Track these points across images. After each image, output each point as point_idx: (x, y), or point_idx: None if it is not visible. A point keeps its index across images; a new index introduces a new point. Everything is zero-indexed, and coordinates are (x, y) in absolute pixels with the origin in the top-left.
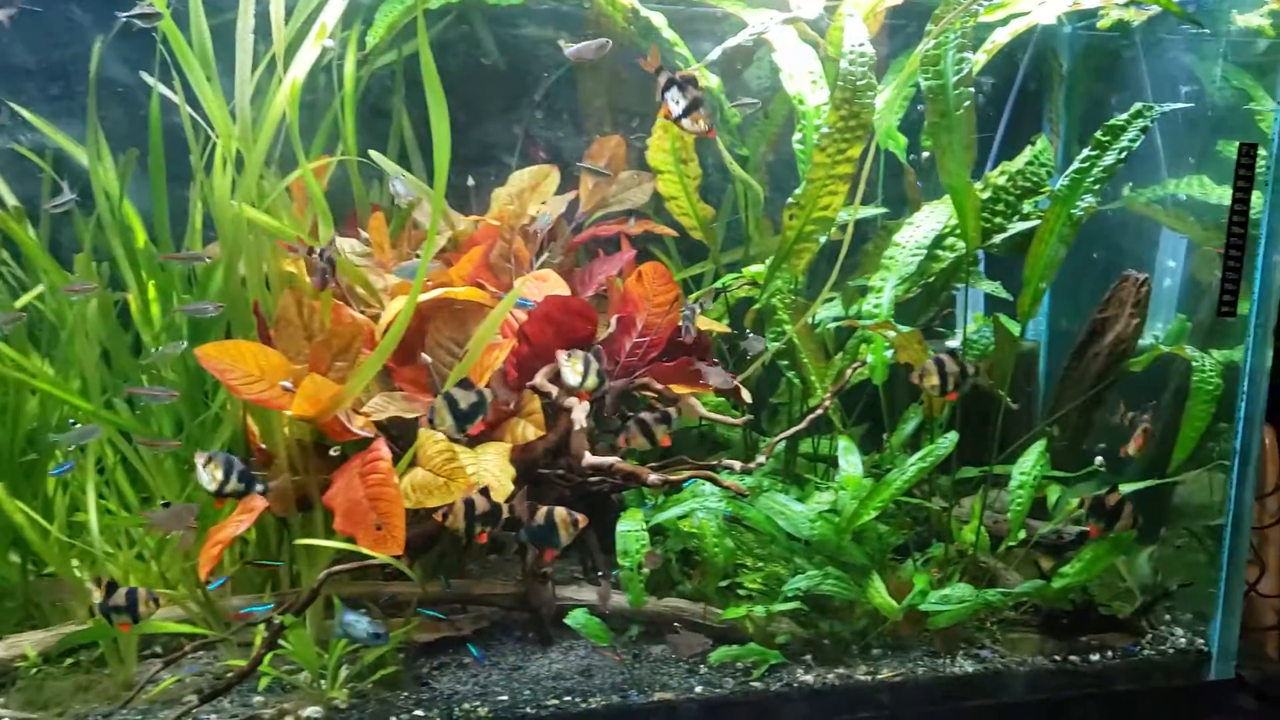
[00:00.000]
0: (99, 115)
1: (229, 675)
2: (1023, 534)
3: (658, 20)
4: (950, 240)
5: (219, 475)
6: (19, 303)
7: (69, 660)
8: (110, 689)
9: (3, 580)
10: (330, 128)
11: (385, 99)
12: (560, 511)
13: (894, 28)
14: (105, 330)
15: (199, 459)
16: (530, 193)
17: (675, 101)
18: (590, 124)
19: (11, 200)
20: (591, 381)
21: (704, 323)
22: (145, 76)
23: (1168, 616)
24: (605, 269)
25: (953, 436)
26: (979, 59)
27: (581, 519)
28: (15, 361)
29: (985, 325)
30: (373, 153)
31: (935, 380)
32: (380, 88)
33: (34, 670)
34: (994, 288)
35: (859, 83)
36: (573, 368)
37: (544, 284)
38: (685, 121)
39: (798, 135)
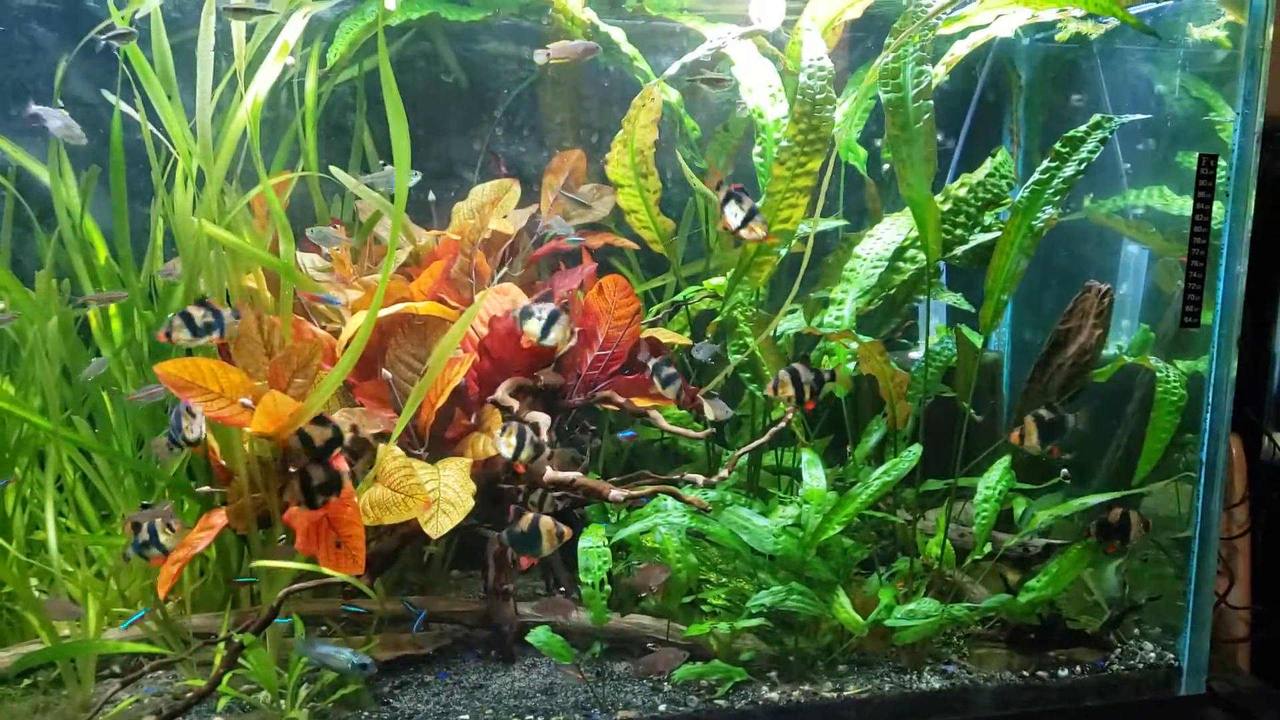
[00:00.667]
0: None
1: (188, 695)
2: (989, 547)
3: (617, 35)
4: (911, 252)
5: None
6: None
7: (26, 681)
8: (68, 710)
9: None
10: (291, 143)
11: (346, 115)
12: (546, 520)
13: (853, 40)
14: (66, 348)
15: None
16: (491, 207)
17: (735, 215)
18: (551, 139)
19: None
20: (526, 454)
21: (666, 335)
22: (106, 94)
23: (1136, 630)
24: (566, 282)
25: (916, 449)
26: (938, 72)
27: (567, 531)
28: None
29: (948, 337)
30: (334, 169)
31: (790, 391)
32: (341, 104)
33: None
34: (956, 299)
35: (818, 96)
36: (506, 441)
37: (505, 298)
38: (744, 231)
39: (757, 149)
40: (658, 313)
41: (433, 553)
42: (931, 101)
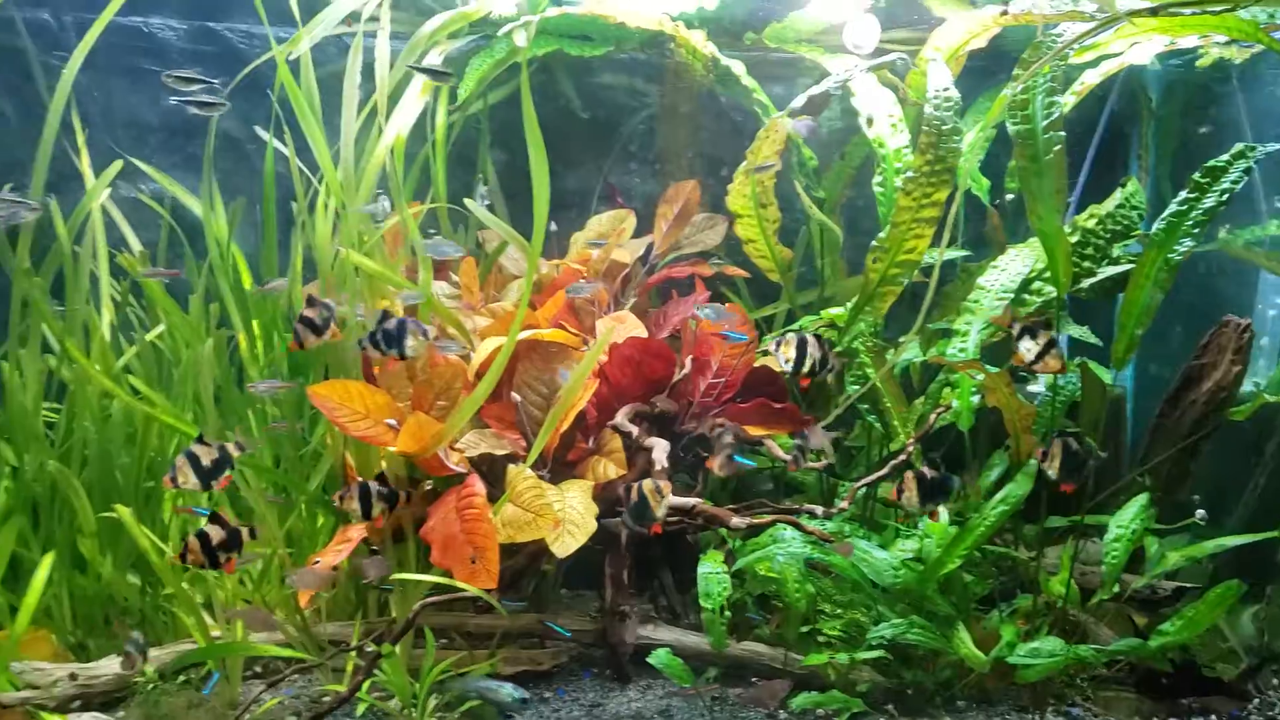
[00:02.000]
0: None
1: (326, 700)
2: (1116, 588)
3: (737, 68)
4: (1037, 284)
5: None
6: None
7: (181, 678)
8: (218, 707)
9: (123, 599)
10: (419, 174)
11: (467, 147)
12: (646, 482)
13: (970, 68)
14: (219, 368)
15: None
16: (611, 237)
17: (1029, 350)
18: (666, 169)
19: (137, 245)
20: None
21: (778, 365)
22: (260, 131)
23: (1276, 681)
24: (681, 311)
25: (1031, 468)
26: (1068, 101)
27: (665, 485)
28: (146, 396)
29: (1073, 371)
30: (467, 201)
31: (791, 353)
32: (463, 137)
33: (150, 686)
34: (1082, 332)
35: (944, 127)
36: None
37: (623, 325)
38: (1037, 365)
39: (878, 178)
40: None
41: (546, 571)
42: (1063, 133)
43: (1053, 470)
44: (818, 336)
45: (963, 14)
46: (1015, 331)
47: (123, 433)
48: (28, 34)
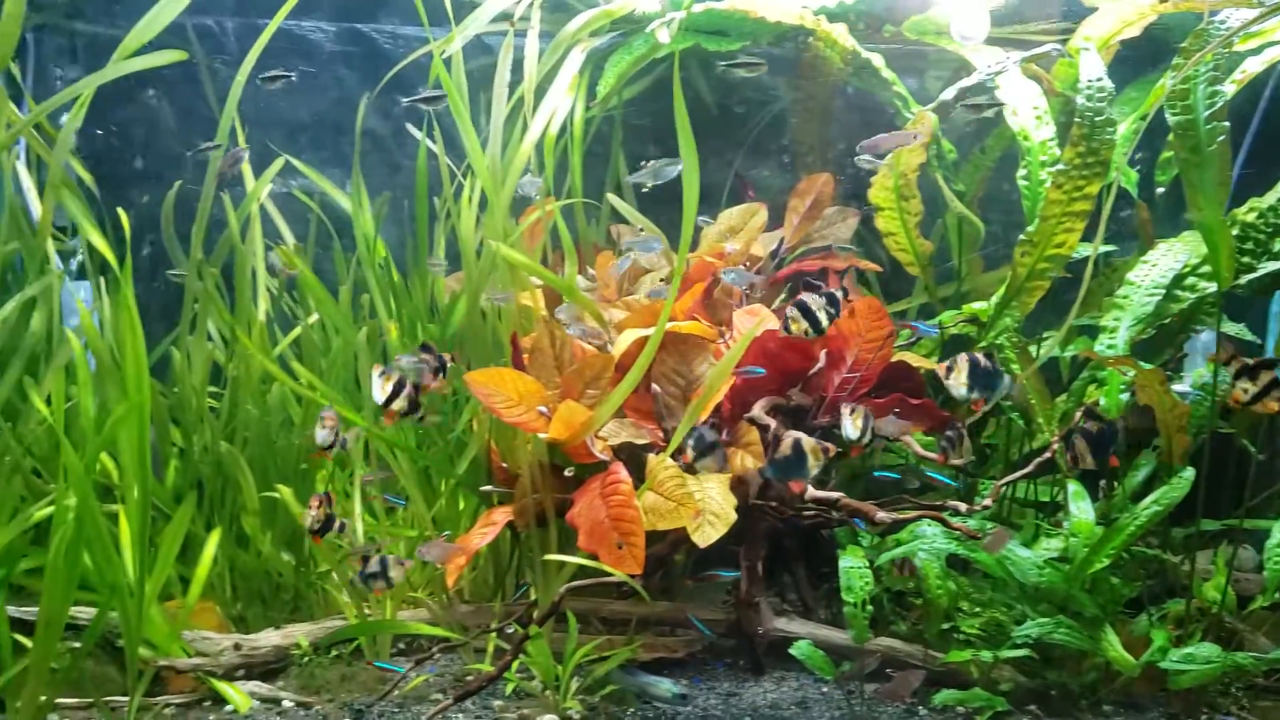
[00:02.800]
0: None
1: (471, 678)
2: (1277, 595)
3: (877, 60)
4: (1191, 280)
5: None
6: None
7: (333, 652)
8: (368, 681)
9: (279, 575)
10: (555, 168)
11: (597, 143)
12: (809, 439)
13: (1119, 57)
14: (372, 356)
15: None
16: (740, 230)
17: (1245, 391)
18: (798, 162)
19: (291, 239)
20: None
21: (915, 359)
22: (412, 129)
23: None
24: None
25: (1189, 474)
26: (1229, 90)
27: (830, 447)
28: (308, 381)
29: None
30: (610, 196)
31: (964, 380)
32: (595, 132)
33: (305, 659)
34: (1239, 329)
35: (1098, 118)
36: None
37: (758, 319)
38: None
39: (1022, 171)
40: (910, 335)
41: (675, 561)
42: (1227, 123)
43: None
44: (989, 355)
45: (1116, 2)
46: (1233, 370)
47: (280, 417)
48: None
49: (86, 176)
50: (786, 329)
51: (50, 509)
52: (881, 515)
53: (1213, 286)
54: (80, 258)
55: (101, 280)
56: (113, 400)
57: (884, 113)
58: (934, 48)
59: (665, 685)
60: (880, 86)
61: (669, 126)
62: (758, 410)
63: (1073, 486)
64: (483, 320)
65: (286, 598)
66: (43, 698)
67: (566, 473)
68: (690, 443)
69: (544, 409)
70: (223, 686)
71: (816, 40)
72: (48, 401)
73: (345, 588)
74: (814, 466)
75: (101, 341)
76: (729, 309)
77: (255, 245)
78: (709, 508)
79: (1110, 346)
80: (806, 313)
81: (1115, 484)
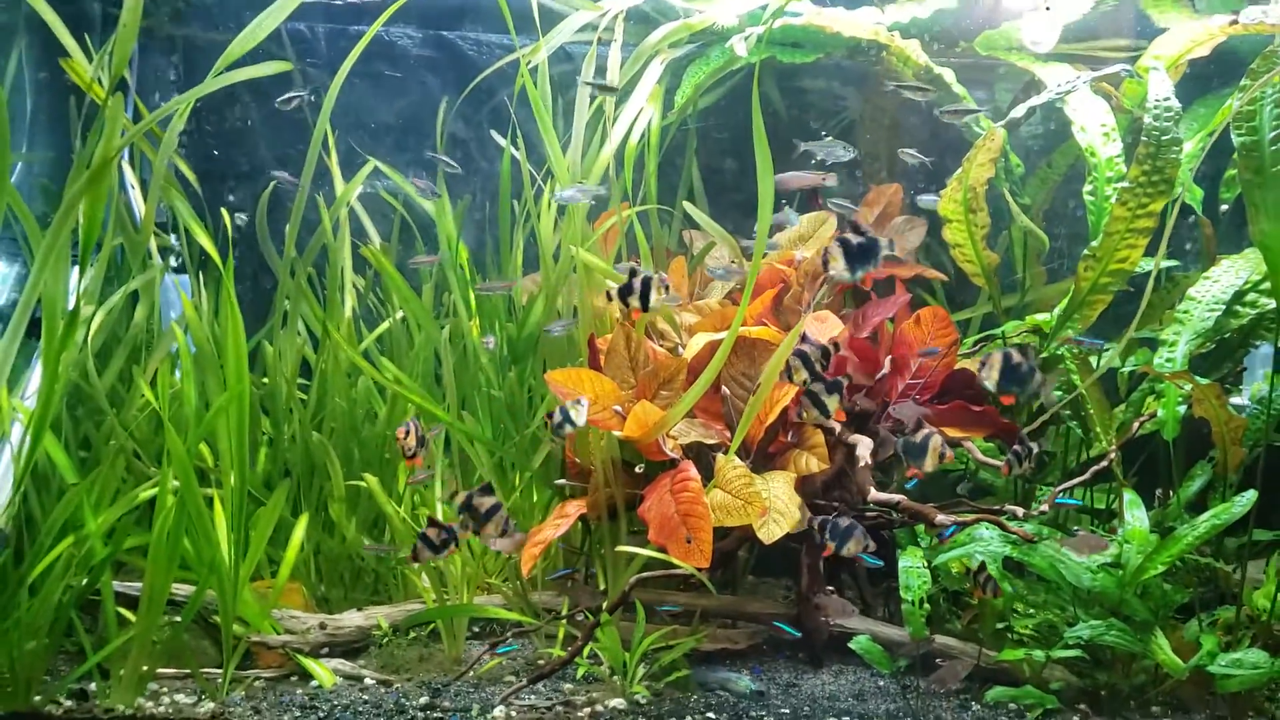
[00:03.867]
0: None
1: (542, 662)
2: None
3: (948, 76)
4: (1251, 296)
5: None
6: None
7: (412, 634)
8: (444, 662)
9: (360, 560)
10: (631, 174)
11: (671, 150)
12: (937, 439)
13: (1187, 75)
14: (455, 354)
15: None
16: (810, 238)
17: None
18: (870, 173)
19: (377, 239)
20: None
21: (974, 366)
22: (495, 136)
23: None
24: (880, 311)
25: (1251, 495)
26: None
27: (949, 453)
28: (396, 376)
29: None
30: (686, 204)
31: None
32: (670, 139)
33: (385, 639)
34: None
35: (1164, 137)
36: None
37: (823, 324)
38: None
39: (1088, 186)
40: (973, 344)
41: (737, 557)
42: None
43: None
44: (1024, 351)
45: (1186, 22)
46: None
47: (365, 409)
48: (290, 45)
49: (191, 176)
50: (789, 376)
51: (153, 491)
52: (941, 518)
53: (1273, 303)
54: (180, 253)
55: (200, 275)
56: (210, 389)
57: (954, 126)
58: (1005, 62)
59: (744, 682)
60: (950, 101)
61: (742, 135)
62: None
63: (1128, 495)
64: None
65: (368, 581)
66: (144, 668)
67: (637, 469)
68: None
69: (619, 408)
70: (309, 663)
71: (889, 55)
72: (152, 386)
73: (425, 571)
74: (931, 463)
75: (202, 330)
76: (798, 315)
77: (344, 244)
78: (775, 506)
79: (1169, 360)
80: (806, 361)
81: (1170, 494)
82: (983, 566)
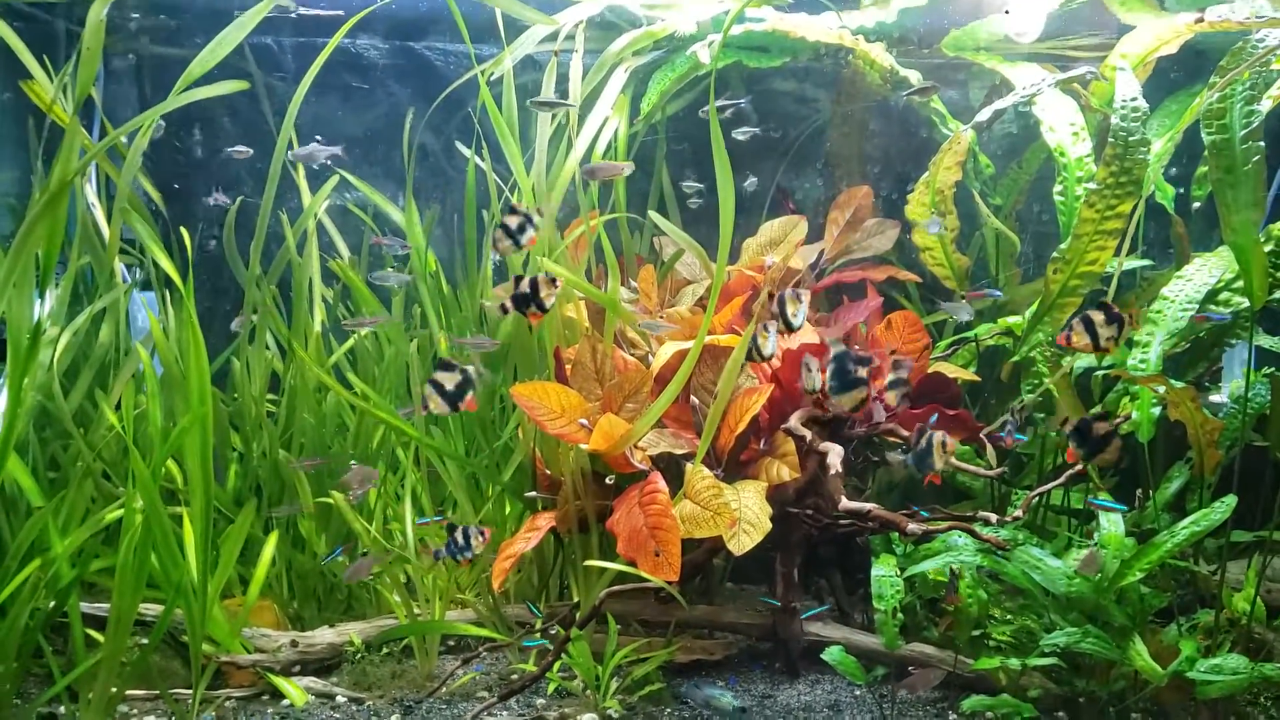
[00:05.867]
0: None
1: (515, 677)
2: None
3: (914, 78)
4: (1225, 295)
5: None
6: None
7: (384, 650)
8: (417, 678)
9: (333, 576)
10: (600, 183)
11: (641, 156)
12: (939, 434)
13: (1156, 70)
14: (423, 368)
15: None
16: (780, 243)
17: None
18: (837, 175)
19: (346, 252)
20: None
21: (951, 370)
22: (461, 148)
23: None
24: (852, 316)
25: (1230, 500)
26: (1264, 107)
27: (950, 444)
28: (361, 391)
29: (1261, 382)
30: (652, 214)
31: (1085, 340)
32: (638, 145)
33: (358, 655)
34: (1274, 343)
35: (1131, 138)
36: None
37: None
38: None
39: (1058, 187)
40: (947, 348)
41: (714, 565)
42: (1262, 143)
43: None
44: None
45: (1152, 20)
46: None
47: (335, 423)
48: (253, 58)
49: (155, 195)
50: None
51: (120, 512)
52: (912, 527)
53: (1247, 301)
54: (147, 271)
55: (167, 293)
56: (177, 407)
57: (924, 125)
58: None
59: (727, 699)
60: (917, 103)
61: (709, 138)
62: (794, 421)
63: (1104, 498)
64: (529, 331)
65: (340, 597)
66: (113, 689)
67: (608, 480)
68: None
69: (585, 421)
70: (280, 681)
71: (855, 59)
72: (117, 409)
73: (397, 587)
74: (939, 460)
75: (169, 351)
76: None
77: (312, 258)
78: (745, 516)
79: (1143, 362)
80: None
81: (1149, 495)
82: (953, 579)
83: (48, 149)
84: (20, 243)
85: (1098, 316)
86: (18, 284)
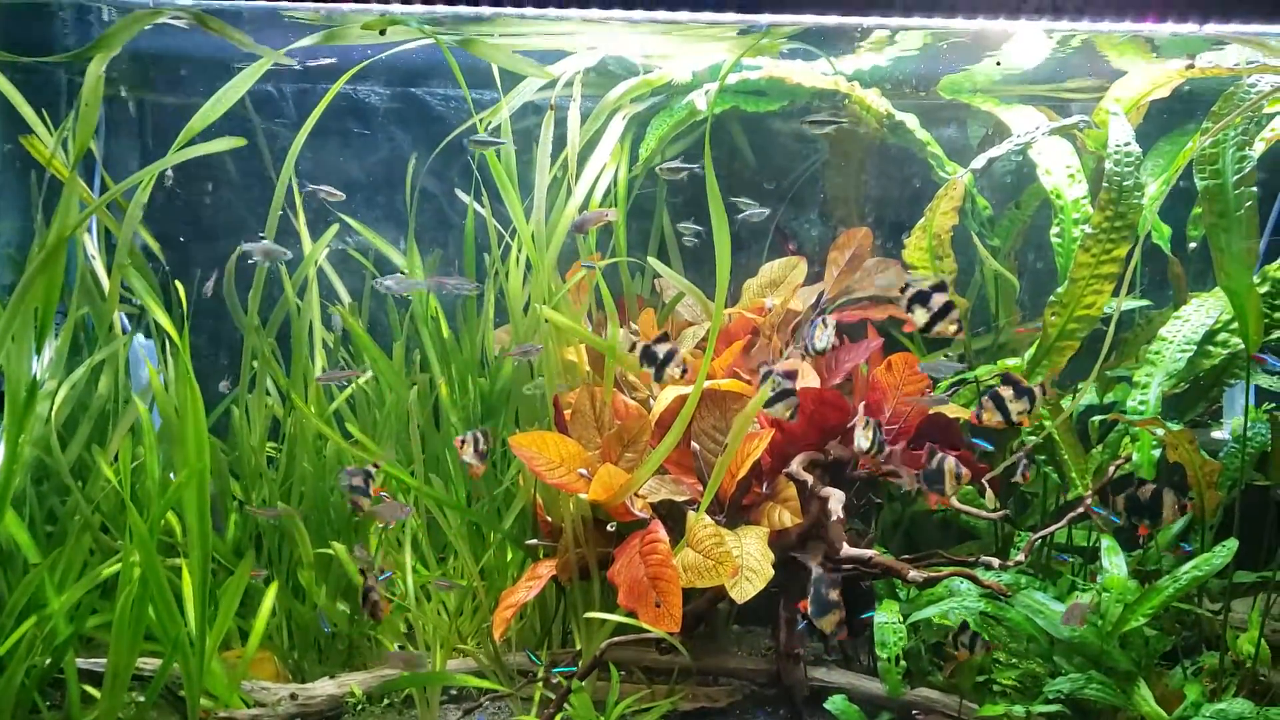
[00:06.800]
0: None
1: None
2: None
3: (910, 122)
4: (1223, 335)
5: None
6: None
7: (384, 701)
8: None
9: (334, 626)
10: (600, 228)
11: (642, 198)
12: (951, 461)
13: (1151, 111)
14: (423, 414)
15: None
16: (781, 284)
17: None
18: (836, 216)
19: (347, 297)
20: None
21: (953, 411)
22: (460, 194)
23: None
24: (852, 357)
25: (1232, 544)
26: (1257, 150)
27: (965, 473)
28: (359, 441)
29: (1261, 421)
30: (651, 259)
31: (997, 417)
32: (638, 187)
33: (358, 707)
34: (1272, 382)
35: (1125, 183)
36: (865, 435)
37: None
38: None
39: (1055, 229)
40: (948, 389)
41: (719, 609)
42: (1255, 188)
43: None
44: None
45: (1145, 66)
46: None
47: (335, 471)
48: (252, 105)
49: (154, 245)
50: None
51: (117, 566)
52: (913, 574)
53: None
54: (146, 321)
55: (165, 342)
56: (176, 459)
57: (922, 165)
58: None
59: None
60: (915, 145)
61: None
62: (795, 466)
63: (1106, 541)
64: (530, 375)
65: (341, 648)
66: None
67: (610, 527)
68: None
69: (584, 471)
70: None
71: (851, 103)
72: (115, 461)
73: (397, 636)
74: (951, 488)
75: (168, 401)
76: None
77: (312, 304)
78: (747, 564)
79: (1143, 403)
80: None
81: (1152, 534)
82: (964, 626)
83: (48, 200)
84: (19, 297)
85: (1007, 392)
86: (16, 337)
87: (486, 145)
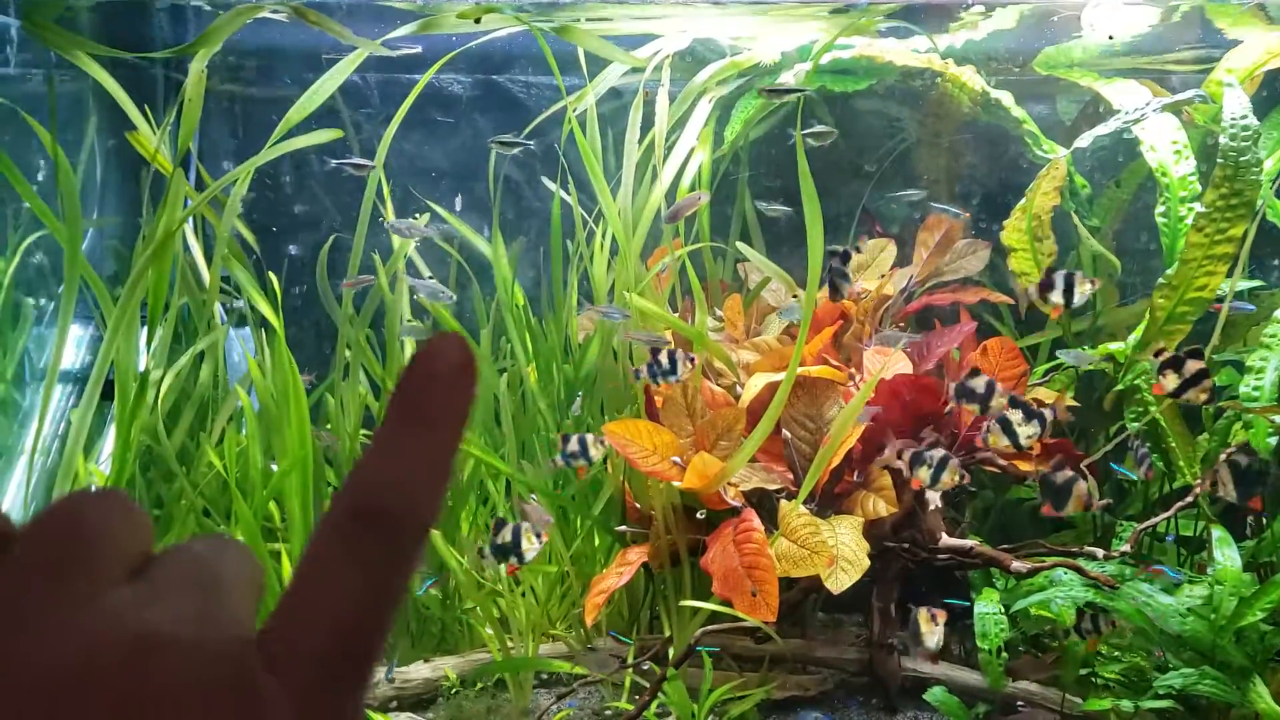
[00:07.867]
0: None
1: (608, 713)
2: None
3: (1006, 99)
4: None
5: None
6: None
7: (479, 685)
8: (511, 714)
9: (426, 609)
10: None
11: (725, 181)
12: (1082, 484)
13: (1261, 84)
14: (513, 401)
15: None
16: (869, 267)
17: None
18: (927, 196)
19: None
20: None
21: (1048, 395)
22: (547, 182)
23: None
24: (945, 342)
25: None
26: None
27: (1096, 503)
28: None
29: None
30: (740, 244)
31: (1004, 441)
32: (723, 171)
33: (453, 691)
34: None
35: (1242, 158)
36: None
37: (890, 361)
38: None
39: (1161, 208)
40: (1044, 374)
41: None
42: None
43: (1228, 494)
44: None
45: (1261, 34)
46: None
47: None
48: (340, 96)
49: (250, 237)
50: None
51: None
52: (1017, 565)
53: None
54: (241, 308)
55: (264, 331)
56: (275, 445)
57: (1016, 143)
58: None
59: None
60: (1010, 123)
61: (796, 165)
62: (889, 453)
63: (1217, 532)
64: (614, 360)
65: (434, 630)
66: None
67: (699, 514)
68: None
69: (678, 459)
70: (377, 717)
71: (944, 81)
72: (220, 444)
73: (489, 621)
74: (1074, 508)
75: (266, 390)
76: (858, 351)
77: (402, 294)
78: (842, 554)
79: (1257, 389)
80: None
81: (1264, 523)
82: (1081, 613)
83: (150, 195)
84: (128, 292)
85: (1015, 415)
86: (125, 331)
87: (509, 147)
